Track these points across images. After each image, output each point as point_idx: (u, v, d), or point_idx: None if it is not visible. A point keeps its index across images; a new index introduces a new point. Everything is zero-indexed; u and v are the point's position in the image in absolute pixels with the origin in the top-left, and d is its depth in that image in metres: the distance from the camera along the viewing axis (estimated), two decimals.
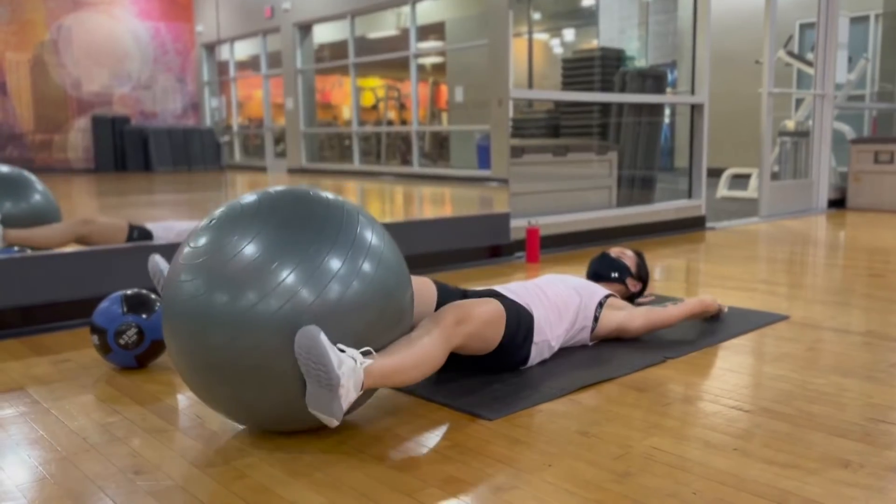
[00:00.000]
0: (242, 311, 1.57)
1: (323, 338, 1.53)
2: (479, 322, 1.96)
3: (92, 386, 2.20)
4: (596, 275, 2.87)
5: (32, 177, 3.52)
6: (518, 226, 4.52)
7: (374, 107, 10.31)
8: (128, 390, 2.16)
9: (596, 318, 2.43)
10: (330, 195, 1.79)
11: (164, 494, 1.51)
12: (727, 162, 10.57)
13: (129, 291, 2.36)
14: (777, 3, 6.27)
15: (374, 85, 10.27)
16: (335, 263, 1.63)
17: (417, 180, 8.79)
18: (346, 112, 10.35)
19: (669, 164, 9.42)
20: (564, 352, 2.39)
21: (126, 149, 4.79)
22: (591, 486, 1.52)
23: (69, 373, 2.32)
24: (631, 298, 2.93)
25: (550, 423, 1.84)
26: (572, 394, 2.05)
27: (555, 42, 9.37)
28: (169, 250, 3.11)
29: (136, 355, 2.30)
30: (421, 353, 1.77)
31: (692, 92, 5.81)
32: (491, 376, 2.17)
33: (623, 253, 2.92)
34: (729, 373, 2.22)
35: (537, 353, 2.24)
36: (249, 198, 1.73)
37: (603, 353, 2.39)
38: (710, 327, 2.71)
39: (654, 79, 6.17)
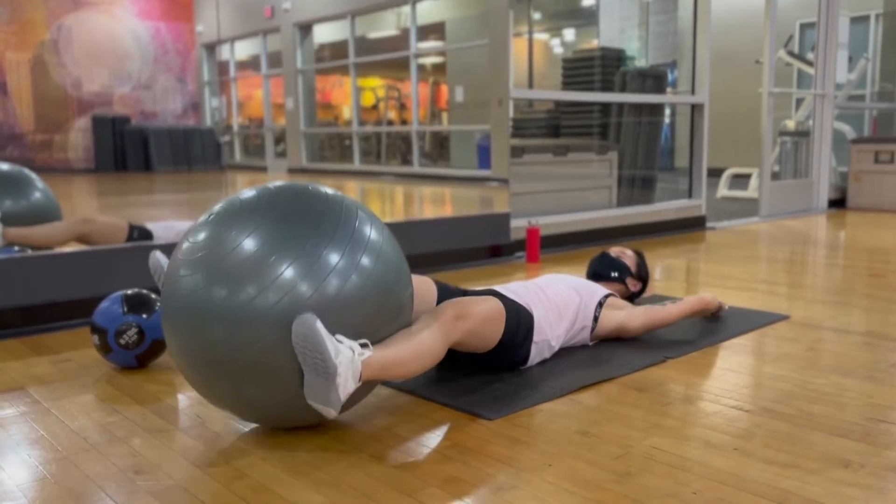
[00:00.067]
0: (241, 305, 1.57)
1: (319, 325, 1.53)
2: (479, 319, 1.96)
3: (92, 386, 2.20)
4: (596, 274, 2.87)
5: (33, 174, 3.51)
6: (518, 226, 4.52)
7: (375, 107, 10.31)
8: (128, 390, 2.16)
9: (596, 318, 2.43)
10: (329, 190, 1.78)
11: (164, 494, 1.51)
12: (727, 162, 10.57)
13: (129, 291, 2.36)
14: (777, 2, 6.27)
15: (375, 85, 10.27)
16: (334, 257, 1.63)
17: (418, 180, 8.78)
18: (347, 112, 10.35)
19: (670, 164, 9.41)
20: (564, 352, 2.39)
21: (126, 149, 4.79)
22: (591, 485, 1.52)
23: (69, 373, 2.32)
24: (631, 298, 2.93)
25: (551, 423, 1.84)
26: (572, 393, 2.05)
27: (555, 42, 9.38)
28: (169, 250, 3.11)
29: (137, 355, 2.30)
30: (420, 346, 1.77)
31: (692, 92, 5.81)
32: (491, 376, 2.17)
33: (623, 252, 2.92)
34: (729, 373, 2.22)
35: (537, 353, 2.24)
36: (248, 193, 1.73)
37: (603, 352, 2.39)
38: (711, 327, 2.71)
39: (655, 79, 6.17)
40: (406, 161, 9.53)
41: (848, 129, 7.61)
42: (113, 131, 4.72)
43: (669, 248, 4.79)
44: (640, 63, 7.29)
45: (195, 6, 5.45)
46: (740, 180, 9.27)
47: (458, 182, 8.34)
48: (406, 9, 9.26)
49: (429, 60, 9.69)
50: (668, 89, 7.01)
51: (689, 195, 5.87)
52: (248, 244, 1.61)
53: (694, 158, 5.85)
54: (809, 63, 7.18)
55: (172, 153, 5.17)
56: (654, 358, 2.34)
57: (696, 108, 5.78)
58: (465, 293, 2.26)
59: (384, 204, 6.82)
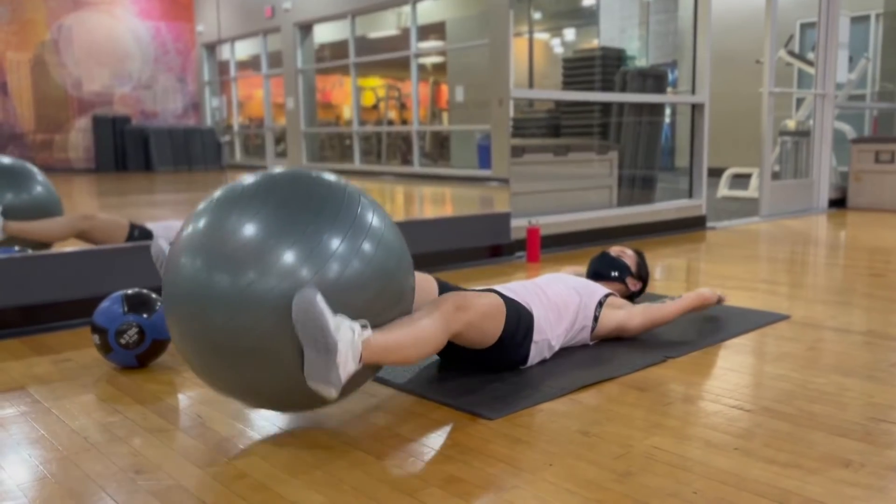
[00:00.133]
0: (240, 289, 1.56)
1: (320, 299, 1.52)
2: (479, 312, 1.96)
3: (93, 385, 2.20)
4: (596, 274, 2.87)
5: (34, 169, 3.51)
6: (518, 225, 4.52)
7: (375, 106, 10.31)
8: (128, 390, 2.16)
9: (596, 318, 2.43)
10: (332, 177, 1.78)
11: (164, 494, 1.51)
12: (728, 161, 10.57)
13: (129, 291, 2.36)
14: (778, 2, 6.27)
15: (375, 85, 10.27)
16: (335, 242, 1.62)
17: (418, 180, 8.78)
18: (347, 112, 10.35)
19: (670, 164, 9.41)
20: (565, 351, 2.39)
21: (127, 148, 4.79)
22: (592, 485, 1.52)
23: (70, 372, 2.32)
24: (631, 297, 2.93)
25: (551, 423, 1.84)
26: (573, 393, 2.05)
27: (555, 42, 9.38)
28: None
29: (137, 355, 2.30)
30: (420, 332, 1.77)
31: (693, 91, 5.81)
32: (491, 375, 2.17)
33: (623, 252, 2.92)
34: (730, 372, 2.22)
35: (537, 353, 2.24)
36: (249, 179, 1.73)
37: (604, 352, 2.39)
38: (711, 327, 2.71)
39: (655, 78, 6.17)
40: (406, 161, 9.53)
41: (848, 129, 7.61)
42: (113, 131, 4.72)
43: (670, 247, 4.79)
44: (641, 63, 7.30)
45: (195, 6, 5.45)
46: (741, 180, 9.27)
47: (458, 182, 8.34)
48: (406, 8, 9.26)
49: (429, 60, 9.69)
50: (669, 89, 7.01)
51: (690, 195, 5.87)
52: (248, 229, 1.60)
53: (694, 158, 5.85)
54: (810, 63, 7.18)
55: (173, 153, 5.17)
56: (654, 357, 2.34)
57: (696, 108, 5.78)
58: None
59: (385, 203, 6.81)
